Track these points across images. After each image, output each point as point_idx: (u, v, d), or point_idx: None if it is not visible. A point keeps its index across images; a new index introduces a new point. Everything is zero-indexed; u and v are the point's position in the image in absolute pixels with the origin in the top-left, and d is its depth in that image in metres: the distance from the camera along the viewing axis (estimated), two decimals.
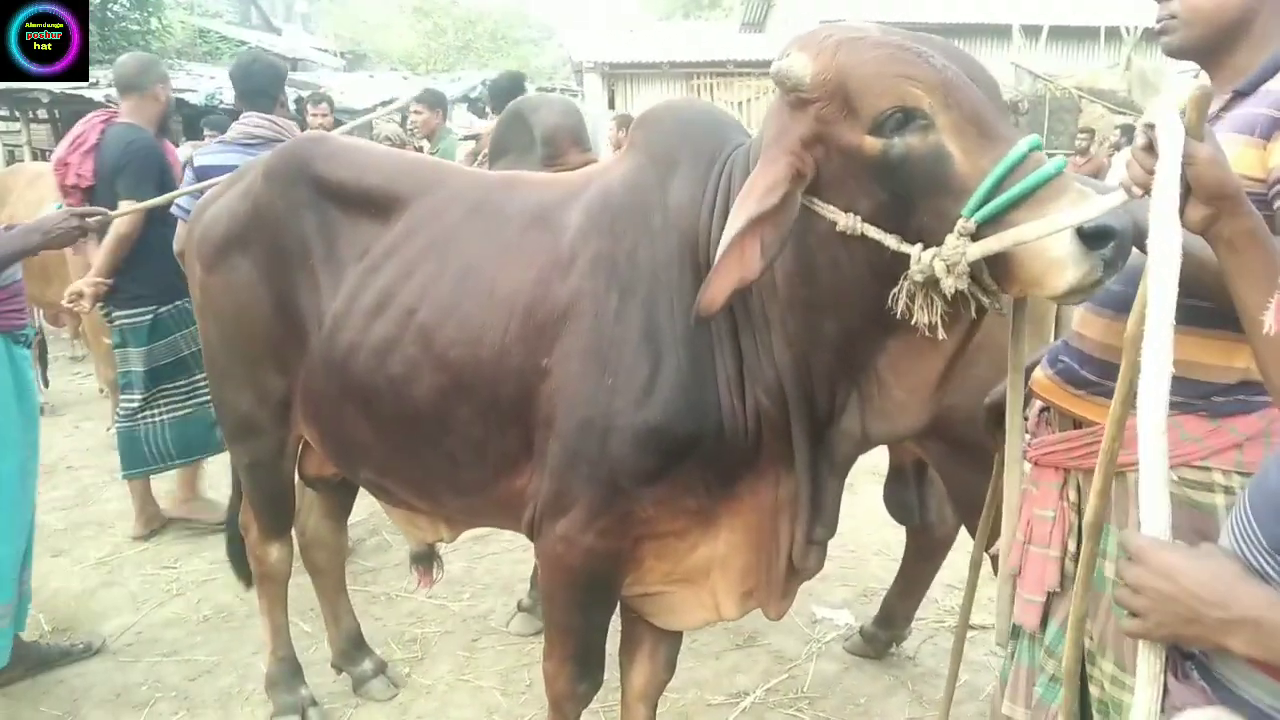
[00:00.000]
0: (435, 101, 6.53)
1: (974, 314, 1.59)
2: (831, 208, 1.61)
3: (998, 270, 1.49)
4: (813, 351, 1.80)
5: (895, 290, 1.57)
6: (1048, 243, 1.39)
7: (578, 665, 2.20)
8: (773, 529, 2.00)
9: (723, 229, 1.81)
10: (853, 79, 1.53)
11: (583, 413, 1.92)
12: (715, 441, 1.89)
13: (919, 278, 1.52)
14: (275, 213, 2.43)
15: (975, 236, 1.45)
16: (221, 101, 11.19)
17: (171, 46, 17.12)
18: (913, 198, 1.53)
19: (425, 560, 3.16)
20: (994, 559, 1.97)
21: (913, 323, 1.57)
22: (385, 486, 2.44)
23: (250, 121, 3.98)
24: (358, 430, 2.32)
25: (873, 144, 1.53)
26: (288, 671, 3.02)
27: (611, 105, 18.39)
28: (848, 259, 1.65)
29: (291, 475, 2.75)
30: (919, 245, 1.52)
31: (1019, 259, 1.44)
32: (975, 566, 2.18)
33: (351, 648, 3.20)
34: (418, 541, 3.02)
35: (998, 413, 1.85)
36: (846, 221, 1.58)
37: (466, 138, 5.25)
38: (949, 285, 1.48)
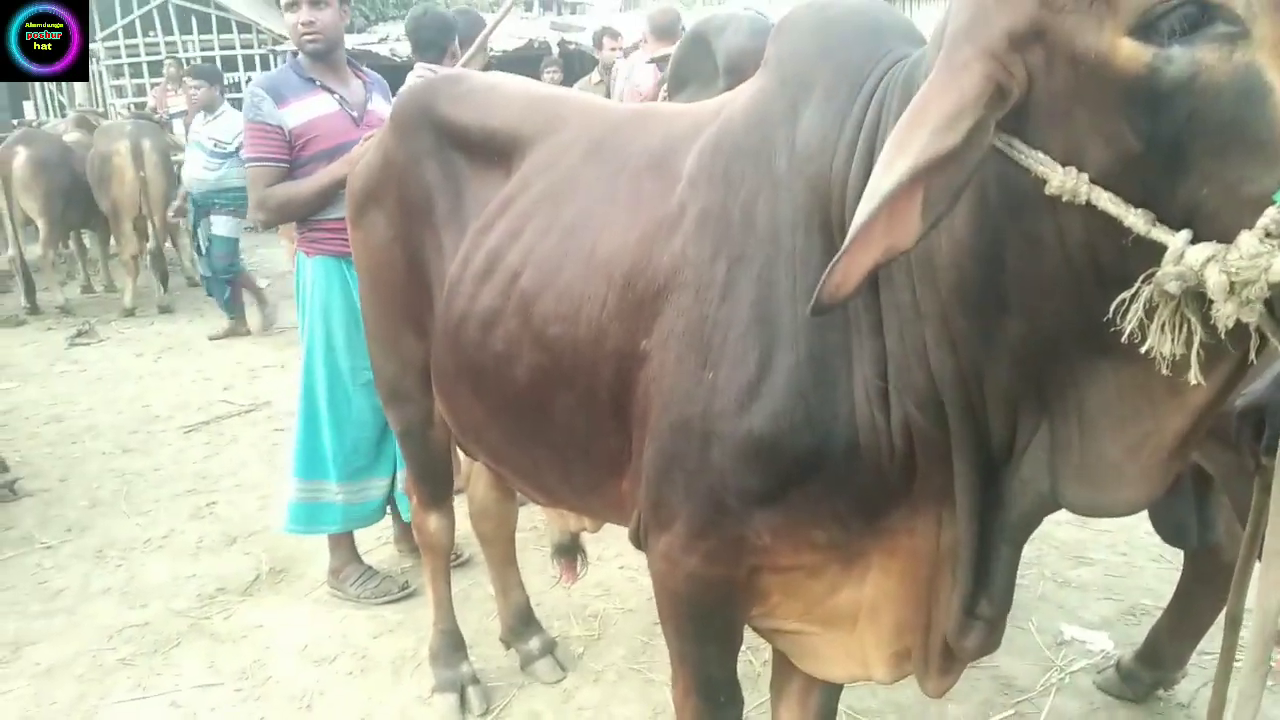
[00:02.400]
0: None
1: (1251, 354, 1.00)
2: (1041, 155, 1.04)
3: None
4: (986, 362, 1.27)
5: (1125, 296, 1.01)
6: None
7: (703, 700, 1.82)
8: (933, 583, 1.51)
9: (864, 179, 1.30)
10: None
11: (679, 411, 1.52)
12: (847, 463, 1.42)
13: (1173, 287, 0.96)
14: (400, 163, 2.22)
15: None
16: (491, 50, 11.48)
17: None
18: (1188, 155, 0.96)
19: (569, 552, 2.90)
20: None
21: (1144, 350, 1.02)
22: (503, 475, 2.17)
23: (419, 71, 3.91)
24: (473, 412, 2.08)
25: (1134, 51, 0.95)
26: (449, 646, 2.89)
27: None
28: (1055, 238, 1.09)
29: (445, 444, 2.58)
30: (1185, 234, 0.96)
31: None
32: (1234, 624, 1.56)
33: (520, 624, 3.02)
34: (561, 530, 2.76)
35: (1256, 419, 1.35)
36: (1064, 181, 1.02)
37: (653, 60, 4.79)
38: (1227, 313, 0.93)
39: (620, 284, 1.62)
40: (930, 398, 1.33)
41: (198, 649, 3.23)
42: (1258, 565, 1.30)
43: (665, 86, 3.53)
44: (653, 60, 5.00)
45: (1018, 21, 1.03)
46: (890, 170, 1.04)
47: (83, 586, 3.73)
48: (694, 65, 2.74)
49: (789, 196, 1.42)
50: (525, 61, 10.90)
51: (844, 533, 1.50)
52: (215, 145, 6.96)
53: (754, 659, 2.91)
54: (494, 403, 1.96)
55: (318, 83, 3.28)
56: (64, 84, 15.63)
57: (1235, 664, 1.58)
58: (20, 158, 8.28)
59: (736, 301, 1.45)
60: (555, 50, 12.68)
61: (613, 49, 8.10)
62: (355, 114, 3.32)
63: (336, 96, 3.30)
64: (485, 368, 1.92)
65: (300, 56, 3.34)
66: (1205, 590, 2.55)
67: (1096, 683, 2.81)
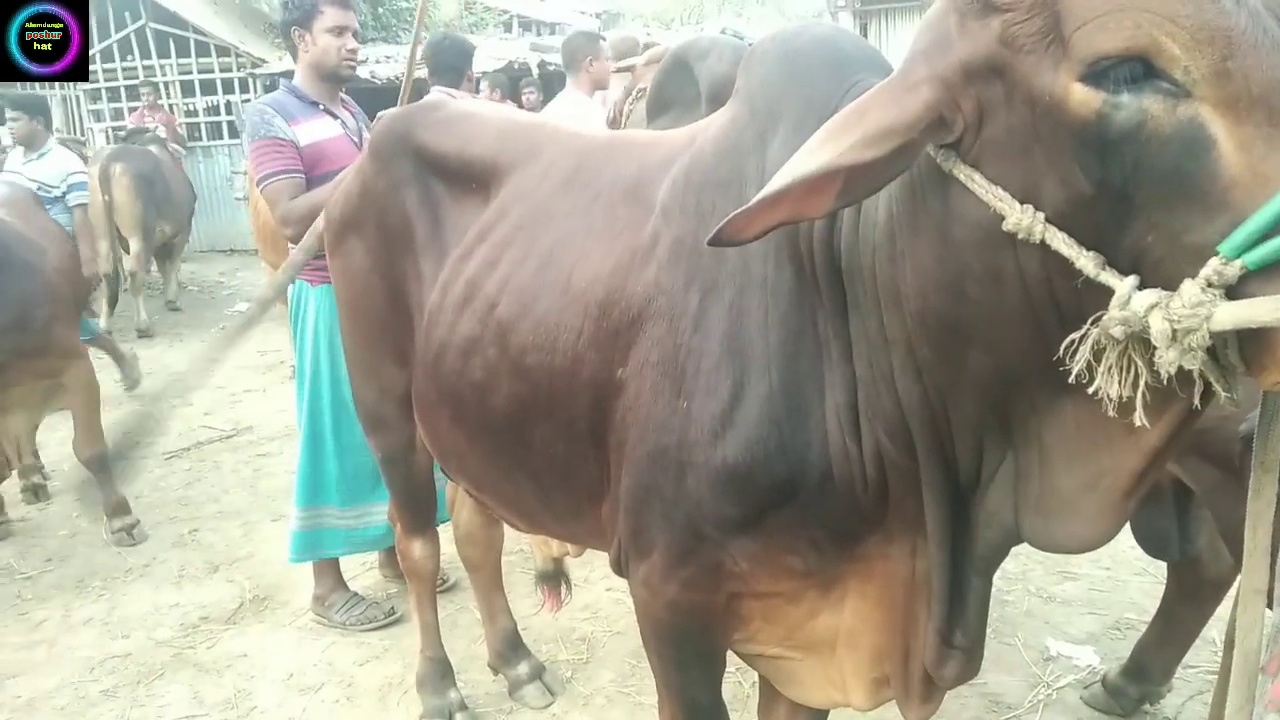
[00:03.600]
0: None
1: (1195, 401, 1.01)
2: (1000, 191, 1.06)
3: (1253, 347, 0.93)
4: (951, 390, 1.28)
5: (1074, 337, 1.03)
6: None
7: None
8: (910, 611, 1.51)
9: (832, 214, 1.33)
10: None
11: (655, 440, 1.53)
12: (821, 491, 1.43)
13: (1118, 331, 0.98)
14: (379, 191, 2.21)
15: (1233, 291, 0.90)
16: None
17: (439, 20, 18.00)
18: (1135, 202, 0.98)
19: (553, 579, 2.89)
20: None
21: (1091, 391, 1.03)
22: (484, 502, 2.17)
23: (435, 95, 3.92)
24: (454, 439, 2.07)
25: (1085, 97, 0.97)
26: (437, 673, 2.87)
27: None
28: (1014, 274, 1.10)
29: (427, 471, 2.56)
30: (1132, 280, 0.98)
31: None
32: (1232, 647, 1.56)
33: (507, 649, 3.01)
34: (544, 557, 2.75)
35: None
36: (1020, 219, 1.03)
37: (620, 69, 4.81)
38: (1169, 360, 0.94)
39: (596, 313, 1.63)
40: (899, 425, 1.34)
41: (181, 679, 3.19)
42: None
43: (630, 99, 3.59)
44: (617, 70, 5.02)
45: (976, 55, 1.05)
46: (811, 158, 1.08)
47: (64, 617, 3.68)
48: (675, 90, 2.76)
49: None
50: (506, 82, 10.88)
51: (820, 559, 1.51)
52: (39, 188, 5.47)
53: (743, 680, 2.90)
54: (474, 430, 1.96)
55: (321, 106, 3.29)
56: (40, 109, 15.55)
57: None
58: (121, 174, 8.24)
59: (709, 331, 1.47)
60: (535, 71, 12.72)
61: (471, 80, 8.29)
62: (355, 139, 3.33)
63: (339, 120, 3.32)
64: (464, 396, 1.92)
65: (297, 81, 3.33)
66: (1188, 603, 2.57)
67: (1083, 698, 2.82)
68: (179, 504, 4.76)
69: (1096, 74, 0.96)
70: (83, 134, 14.13)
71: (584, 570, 3.72)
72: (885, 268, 1.27)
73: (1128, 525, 2.47)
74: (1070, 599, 3.41)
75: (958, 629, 1.45)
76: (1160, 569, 2.89)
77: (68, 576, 4.01)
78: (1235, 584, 2.40)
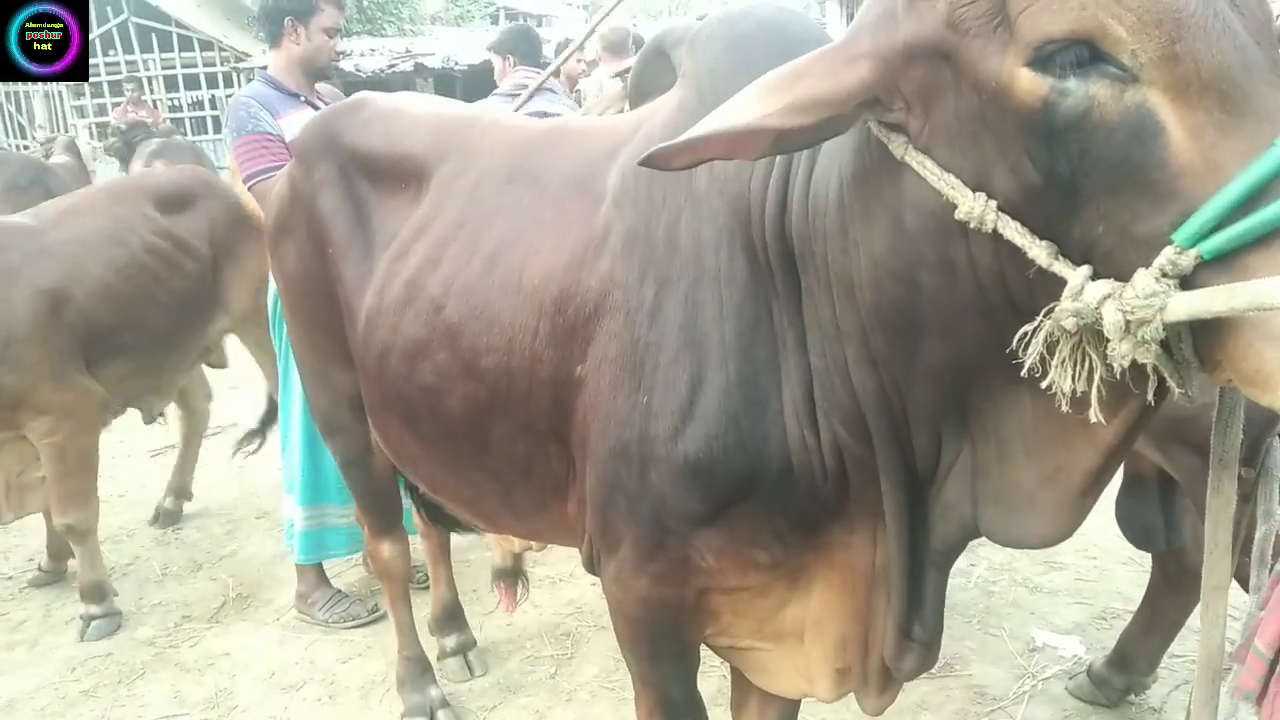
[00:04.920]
0: None
1: (1149, 396, 0.99)
2: (952, 179, 1.03)
3: (1206, 341, 0.90)
4: (907, 381, 1.25)
5: (1028, 330, 1.01)
6: None
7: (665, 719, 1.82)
8: (869, 600, 1.51)
9: (782, 199, 1.32)
10: None
11: (616, 436, 1.51)
12: (782, 483, 1.41)
13: (1070, 323, 0.95)
14: (307, 194, 2.19)
15: (1188, 282, 0.87)
16: (456, 64, 11.49)
17: (425, 13, 17.92)
18: (1083, 191, 0.95)
19: (510, 576, 2.89)
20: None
21: (1045, 384, 1.01)
22: (442, 504, 2.15)
23: (520, 78, 4.31)
24: (404, 442, 2.04)
25: (1031, 84, 0.94)
26: (416, 671, 2.85)
27: None
28: (967, 264, 1.08)
29: (388, 471, 2.52)
30: (1084, 270, 0.96)
31: (1246, 336, 0.86)
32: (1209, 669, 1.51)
33: (444, 618, 3.11)
34: (503, 553, 2.73)
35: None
36: (972, 207, 1.01)
37: (617, 74, 4.84)
38: (1122, 353, 0.92)
39: (551, 310, 1.60)
40: (855, 416, 1.33)
41: (162, 678, 3.16)
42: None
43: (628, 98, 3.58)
44: (616, 75, 5.06)
45: (921, 36, 1.02)
46: (740, 111, 1.08)
47: (44, 617, 3.65)
48: (654, 77, 2.71)
49: (710, 216, 1.42)
50: (490, 75, 10.86)
51: (784, 551, 1.50)
52: None
53: (726, 674, 2.88)
54: (427, 433, 1.93)
55: (302, 98, 3.25)
56: (24, 106, 15.44)
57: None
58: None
59: (665, 324, 1.45)
60: None
61: (577, 61, 8.17)
62: None
63: (320, 111, 3.27)
64: (414, 400, 1.89)
65: (275, 72, 3.28)
66: (1174, 593, 2.56)
67: (1069, 689, 2.81)
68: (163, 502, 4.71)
69: (1043, 59, 0.93)
70: (66, 129, 14.02)
71: (569, 565, 3.70)
72: (838, 258, 1.24)
73: (1113, 515, 2.49)
74: (1056, 589, 3.40)
75: (916, 622, 1.44)
76: (1146, 559, 2.88)
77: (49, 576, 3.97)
78: None
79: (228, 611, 3.60)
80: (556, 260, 1.61)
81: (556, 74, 4.49)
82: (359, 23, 16.67)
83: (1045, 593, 3.38)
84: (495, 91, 4.56)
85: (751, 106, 1.07)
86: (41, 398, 3.24)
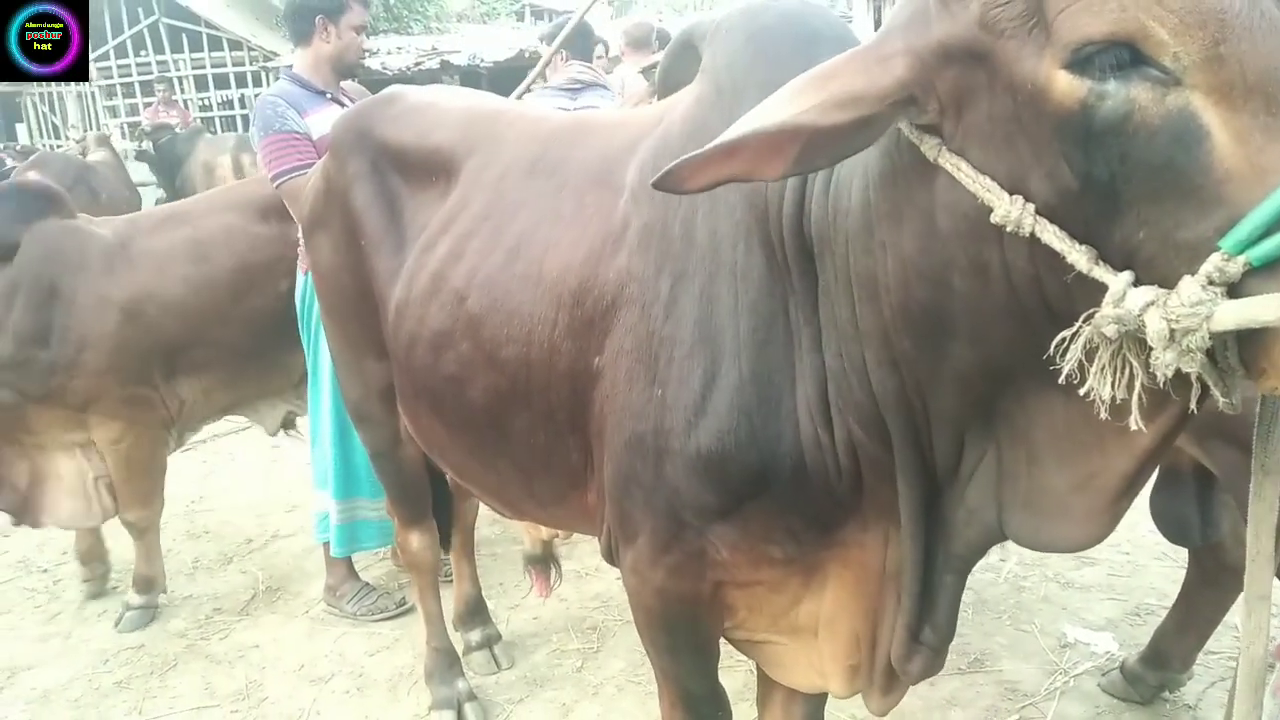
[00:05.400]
0: None
1: (1191, 404, 0.96)
2: (987, 181, 1.00)
3: (1251, 349, 0.88)
4: (932, 384, 1.23)
5: (1066, 335, 0.98)
6: None
7: (687, 713, 1.82)
8: (881, 599, 1.50)
9: (800, 197, 1.29)
10: None
11: (631, 428, 1.51)
12: (795, 480, 1.40)
13: (1110, 330, 0.93)
14: (341, 188, 2.21)
15: (1233, 290, 0.84)
16: (482, 61, 11.52)
17: (452, 11, 17.99)
18: (1123, 197, 0.92)
19: (542, 563, 2.89)
20: None
21: (1083, 392, 0.99)
22: (469, 490, 2.17)
23: (574, 68, 4.27)
24: (433, 430, 2.07)
25: (1069, 86, 0.91)
26: (444, 663, 2.86)
27: (879, 29, 16.90)
28: (1001, 268, 1.05)
29: (418, 463, 2.54)
30: (1126, 276, 0.93)
31: None
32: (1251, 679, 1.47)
33: (467, 614, 3.11)
34: (534, 540, 2.74)
35: None
36: (1009, 210, 0.98)
37: (645, 69, 4.83)
38: (1166, 362, 0.89)
39: (570, 303, 1.61)
40: (872, 416, 1.31)
41: (194, 670, 3.20)
42: None
43: (655, 94, 3.59)
44: (642, 71, 5.06)
45: (954, 36, 1.00)
46: (773, 112, 1.03)
47: (79, 609, 3.70)
48: (683, 72, 2.71)
49: (727, 211, 1.41)
50: (515, 71, 10.93)
51: (799, 547, 1.49)
52: None
53: (752, 670, 2.87)
54: (453, 421, 1.95)
55: (329, 95, 3.27)
56: (58, 106, 15.67)
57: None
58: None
59: (680, 318, 1.44)
60: None
61: (599, 58, 8.19)
62: None
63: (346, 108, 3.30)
64: (440, 389, 1.91)
65: (302, 70, 3.30)
66: (1210, 589, 2.52)
67: (1101, 685, 2.77)
68: (194, 496, 4.77)
69: (1081, 61, 0.90)
70: (98, 129, 14.21)
71: (595, 559, 3.69)
72: (861, 259, 1.22)
73: (1147, 510, 2.45)
74: (1089, 584, 3.35)
75: (927, 625, 1.42)
76: (1181, 553, 2.83)
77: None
78: None
79: (258, 604, 3.64)
80: (575, 253, 1.62)
81: (544, 76, 4.48)
82: (385, 21, 16.77)
83: (1077, 588, 3.34)
84: (546, 85, 4.54)
85: (782, 107, 1.04)
86: (109, 406, 3.30)
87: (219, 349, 3.48)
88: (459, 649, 3.00)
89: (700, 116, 1.49)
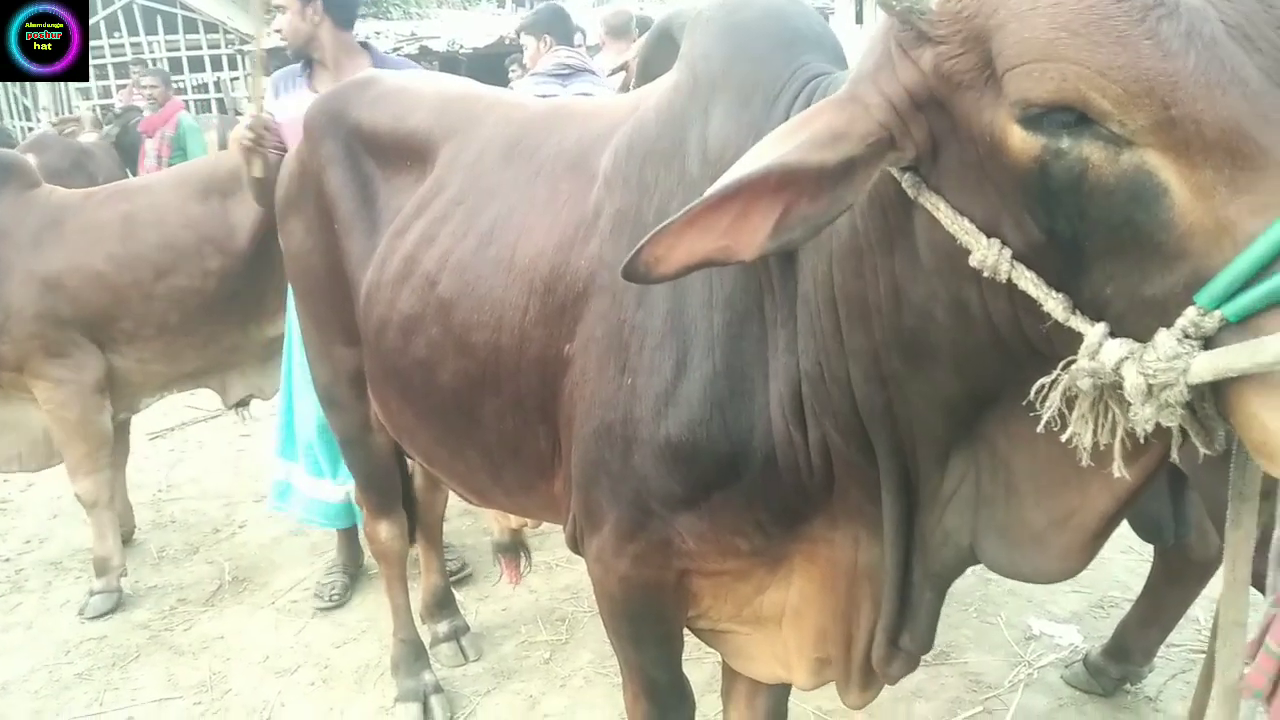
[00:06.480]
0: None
1: (1173, 452, 0.95)
2: (966, 224, 0.98)
3: (1225, 401, 0.86)
4: (920, 405, 1.22)
5: (1045, 382, 0.97)
6: None
7: (651, 704, 1.83)
8: (851, 598, 1.49)
9: None
10: (1002, 30, 0.88)
11: (600, 417, 1.50)
12: (764, 474, 1.40)
13: (1086, 384, 0.92)
14: (314, 171, 2.19)
15: (1210, 342, 0.83)
16: (461, 47, 11.44)
17: None
18: (1087, 253, 0.91)
19: (511, 551, 2.89)
20: None
21: (1065, 438, 0.98)
22: (437, 476, 2.16)
23: (561, 53, 4.24)
24: (402, 416, 2.06)
25: (1023, 142, 0.90)
26: (410, 655, 2.84)
27: (859, 22, 16.90)
28: (980, 306, 1.04)
29: (388, 450, 2.53)
30: (1102, 328, 0.91)
31: (1252, 404, 0.82)
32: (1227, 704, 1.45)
33: (435, 605, 3.11)
34: (502, 529, 2.74)
35: None
36: (985, 254, 0.96)
37: (614, 71, 4.77)
38: (1146, 416, 0.87)
39: (541, 289, 1.60)
40: (852, 425, 1.30)
41: (157, 661, 3.16)
42: None
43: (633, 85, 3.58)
44: (613, 72, 4.99)
45: (917, 84, 0.99)
46: (756, 160, 0.99)
47: (41, 599, 3.65)
48: (662, 62, 2.69)
49: None
50: (495, 58, 10.87)
51: (766, 540, 1.49)
52: None
53: (719, 661, 2.87)
54: (421, 407, 1.94)
55: (307, 82, 3.24)
56: (29, 88, 15.41)
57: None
58: None
59: (652, 308, 1.43)
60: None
61: (579, 46, 8.16)
62: None
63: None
64: (409, 373, 1.90)
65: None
66: (1174, 586, 2.54)
67: (1064, 677, 2.79)
68: (162, 484, 4.72)
69: (1032, 119, 0.88)
70: (70, 112, 14.00)
71: (565, 550, 3.65)
72: (851, 281, 1.20)
73: None
74: None
75: (906, 632, 1.42)
76: (1145, 548, 2.85)
77: (46, 558, 3.98)
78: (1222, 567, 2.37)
79: (223, 595, 3.60)
80: (548, 239, 1.60)
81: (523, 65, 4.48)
82: (365, 5, 16.60)
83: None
84: (533, 72, 4.50)
85: (765, 153, 1.00)
86: (36, 367, 3.41)
87: (146, 323, 3.52)
88: (426, 641, 2.98)
89: (677, 106, 1.47)
